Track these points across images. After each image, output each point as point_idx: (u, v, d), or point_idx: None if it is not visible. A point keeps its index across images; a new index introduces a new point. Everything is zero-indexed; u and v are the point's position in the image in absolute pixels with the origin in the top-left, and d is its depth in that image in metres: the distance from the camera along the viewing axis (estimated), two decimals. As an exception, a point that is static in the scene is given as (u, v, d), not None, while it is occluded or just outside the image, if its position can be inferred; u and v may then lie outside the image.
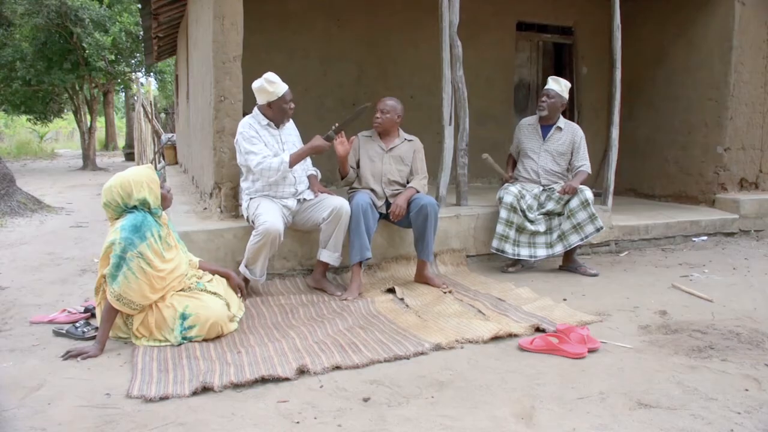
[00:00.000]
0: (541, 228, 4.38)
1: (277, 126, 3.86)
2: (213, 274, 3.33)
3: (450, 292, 3.80)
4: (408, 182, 4.13)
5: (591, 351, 2.82)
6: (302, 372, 2.54)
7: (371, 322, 3.22)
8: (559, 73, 8.18)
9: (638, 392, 2.39)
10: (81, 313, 3.30)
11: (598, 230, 4.27)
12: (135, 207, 2.95)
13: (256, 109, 3.86)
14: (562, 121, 4.57)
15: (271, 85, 3.73)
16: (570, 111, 7.88)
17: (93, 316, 3.29)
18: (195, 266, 3.29)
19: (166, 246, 3.01)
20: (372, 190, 4.05)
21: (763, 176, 6.35)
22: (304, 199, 3.89)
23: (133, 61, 15.25)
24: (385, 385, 2.45)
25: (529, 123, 4.68)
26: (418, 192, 4.02)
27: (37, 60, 13.91)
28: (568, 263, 4.47)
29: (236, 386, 2.42)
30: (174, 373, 2.52)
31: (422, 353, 2.79)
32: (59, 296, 3.74)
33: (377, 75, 6.83)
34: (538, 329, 3.10)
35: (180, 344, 2.86)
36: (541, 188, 4.49)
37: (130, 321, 2.93)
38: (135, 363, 2.63)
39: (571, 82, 7.69)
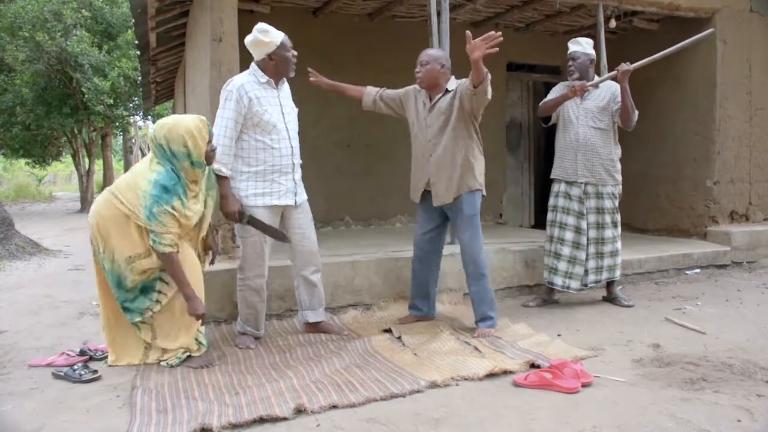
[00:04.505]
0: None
1: (277, 83, 3.53)
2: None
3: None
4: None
5: (585, 385, 2.84)
6: (299, 411, 2.56)
7: (368, 360, 3.24)
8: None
9: (632, 425, 2.42)
10: (78, 355, 3.32)
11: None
12: (174, 158, 3.10)
13: (253, 65, 3.50)
14: (597, 79, 4.44)
15: (265, 35, 3.37)
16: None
17: (90, 358, 3.31)
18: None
19: (188, 209, 3.17)
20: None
21: (753, 208, 6.45)
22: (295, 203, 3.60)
23: (131, 105, 15.48)
24: (381, 423, 2.48)
25: (566, 85, 4.46)
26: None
27: (37, 105, 14.11)
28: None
29: (234, 426, 2.44)
30: (173, 415, 2.54)
31: (418, 391, 2.81)
32: (58, 339, 3.76)
33: (370, 117, 6.91)
34: (533, 365, 3.12)
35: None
36: (582, 185, 4.40)
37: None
38: (134, 404, 2.65)
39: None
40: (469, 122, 3.72)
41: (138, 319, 3.21)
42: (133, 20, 6.52)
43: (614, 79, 4.19)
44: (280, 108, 3.53)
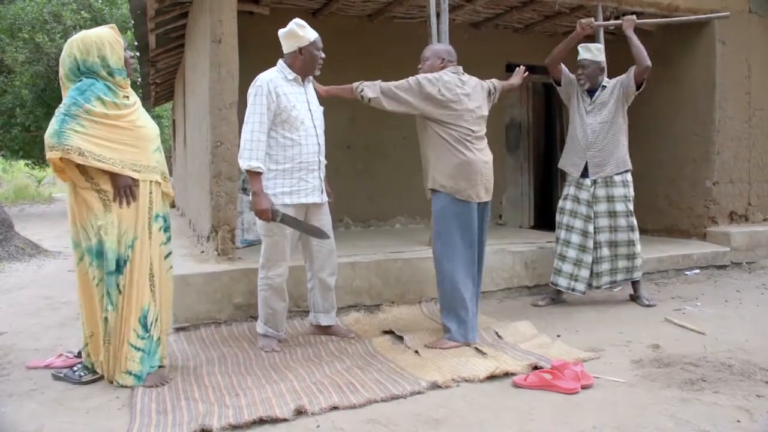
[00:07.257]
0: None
1: (303, 80, 3.53)
2: None
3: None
4: None
5: (585, 387, 2.85)
6: (300, 413, 2.56)
7: (369, 362, 3.25)
8: (549, 113, 8.38)
9: (631, 426, 2.42)
10: (76, 357, 3.31)
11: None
12: (90, 72, 2.90)
13: (281, 62, 3.51)
14: (606, 81, 4.50)
15: (301, 29, 3.41)
16: (561, 148, 8.01)
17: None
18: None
19: (121, 106, 2.94)
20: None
21: (752, 209, 6.46)
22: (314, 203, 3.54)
23: (130, 106, 15.46)
24: (381, 424, 2.48)
25: (580, 84, 4.53)
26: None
27: (37, 106, 14.11)
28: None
29: (234, 428, 2.44)
30: (173, 416, 2.55)
31: (418, 392, 2.81)
32: (57, 340, 3.76)
33: (370, 117, 6.92)
34: (534, 367, 3.11)
35: None
36: (591, 182, 4.41)
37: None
38: (134, 405, 2.65)
39: (562, 120, 7.87)
40: (424, 118, 3.61)
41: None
42: (133, 21, 6.53)
43: (618, 27, 4.55)
44: (307, 105, 3.52)
